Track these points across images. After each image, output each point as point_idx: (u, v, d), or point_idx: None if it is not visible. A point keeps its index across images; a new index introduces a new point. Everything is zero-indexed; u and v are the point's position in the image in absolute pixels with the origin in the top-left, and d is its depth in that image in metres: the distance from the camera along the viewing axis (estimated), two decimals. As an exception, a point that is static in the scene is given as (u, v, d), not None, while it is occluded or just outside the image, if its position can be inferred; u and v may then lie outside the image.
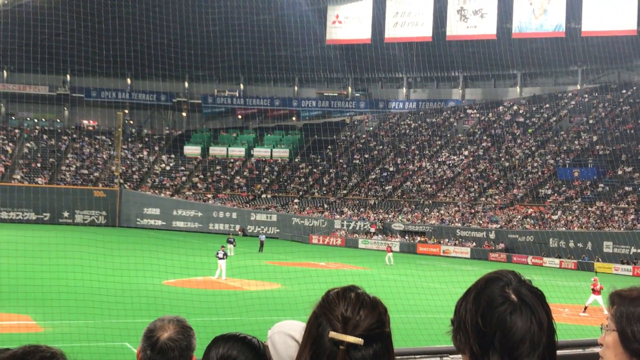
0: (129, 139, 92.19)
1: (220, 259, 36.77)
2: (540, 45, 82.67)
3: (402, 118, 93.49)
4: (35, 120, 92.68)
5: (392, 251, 55.28)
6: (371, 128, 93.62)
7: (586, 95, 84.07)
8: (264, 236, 60.82)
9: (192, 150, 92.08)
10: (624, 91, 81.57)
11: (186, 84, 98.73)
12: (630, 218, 61.54)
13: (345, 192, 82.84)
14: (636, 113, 76.94)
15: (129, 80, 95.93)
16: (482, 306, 1.91)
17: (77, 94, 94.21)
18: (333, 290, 2.01)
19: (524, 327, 1.88)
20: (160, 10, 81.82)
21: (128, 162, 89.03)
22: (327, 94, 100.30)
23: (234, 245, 51.16)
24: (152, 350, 2.94)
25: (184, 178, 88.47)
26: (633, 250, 56.29)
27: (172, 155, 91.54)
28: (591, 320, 28.71)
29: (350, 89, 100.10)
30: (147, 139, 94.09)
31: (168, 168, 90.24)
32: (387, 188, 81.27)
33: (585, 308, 31.36)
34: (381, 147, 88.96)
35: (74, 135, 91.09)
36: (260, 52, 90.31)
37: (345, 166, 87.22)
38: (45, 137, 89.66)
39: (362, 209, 77.34)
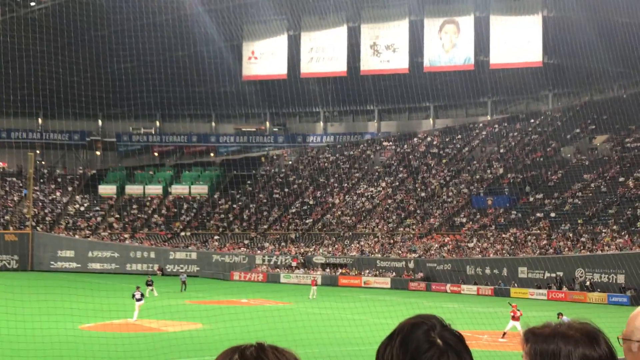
0: (41, 180, 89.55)
1: (137, 300, 35.91)
2: (451, 78, 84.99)
3: (320, 151, 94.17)
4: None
5: (317, 284, 55.13)
6: (290, 162, 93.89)
7: (496, 126, 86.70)
8: (184, 275, 59.65)
9: (107, 189, 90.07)
10: (532, 120, 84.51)
11: (100, 122, 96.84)
12: (542, 243, 63.36)
13: (265, 227, 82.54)
14: (544, 142, 79.71)
15: (40, 120, 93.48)
16: (410, 351, 1.91)
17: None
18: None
19: None
20: (70, 49, 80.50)
21: (40, 203, 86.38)
22: (245, 129, 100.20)
23: (152, 288, 49.90)
24: None
25: (99, 218, 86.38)
26: (547, 274, 57.89)
27: (87, 196, 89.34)
28: (510, 345, 29.26)
29: (268, 123, 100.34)
30: (60, 180, 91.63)
31: (82, 209, 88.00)
32: (307, 221, 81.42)
33: (504, 334, 31.93)
34: (300, 180, 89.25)
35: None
36: (176, 89, 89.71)
37: (265, 201, 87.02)
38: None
39: (283, 243, 77.16)
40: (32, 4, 79.48)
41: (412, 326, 1.97)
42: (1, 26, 78.20)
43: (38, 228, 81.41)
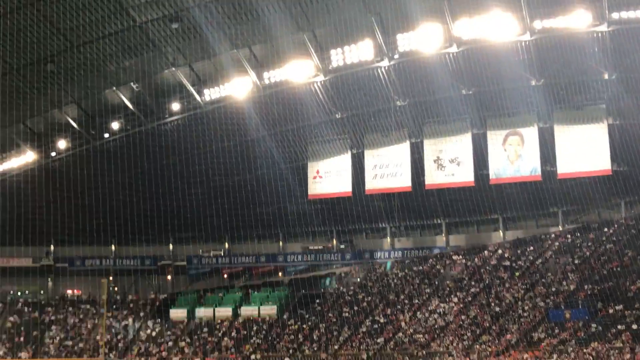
0: (114, 306, 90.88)
1: None
2: (519, 189, 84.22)
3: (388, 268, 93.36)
4: (19, 293, 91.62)
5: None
6: (358, 279, 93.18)
7: (569, 236, 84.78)
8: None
9: (178, 313, 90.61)
10: (605, 229, 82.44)
11: (170, 247, 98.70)
12: (626, 357, 60.60)
13: (336, 347, 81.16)
14: (620, 251, 77.42)
15: (113, 247, 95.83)
16: None
17: (61, 264, 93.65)
18: None
19: None
20: (143, 177, 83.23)
21: (113, 330, 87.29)
22: (312, 248, 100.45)
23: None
24: None
25: (170, 343, 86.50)
26: (634, 391, 55.01)
27: (158, 320, 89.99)
28: None
29: (334, 241, 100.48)
30: (132, 305, 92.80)
31: (154, 334, 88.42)
32: (379, 340, 79.80)
33: None
34: (369, 298, 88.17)
35: (59, 306, 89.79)
36: (244, 211, 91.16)
37: (334, 320, 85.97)
38: (28, 309, 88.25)
39: (355, 364, 75.57)
40: (106, 135, 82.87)
41: None
42: (77, 159, 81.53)
43: (111, 355, 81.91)
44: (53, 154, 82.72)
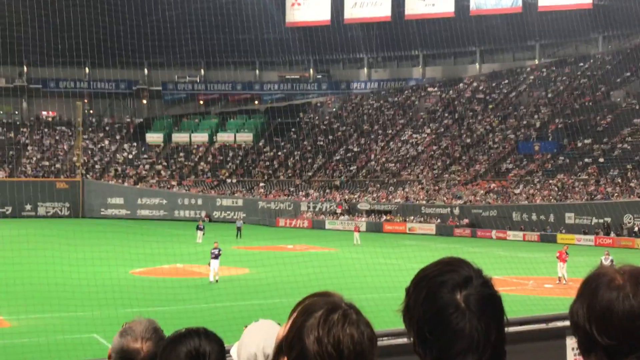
0: (90, 129, 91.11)
1: (214, 257, 31.51)
2: (498, 22, 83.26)
3: (364, 98, 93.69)
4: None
5: (359, 231, 55.49)
6: (334, 109, 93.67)
7: (544, 70, 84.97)
8: (241, 222, 59.96)
9: (154, 137, 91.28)
10: (581, 64, 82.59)
11: (145, 71, 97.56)
12: (590, 189, 62.62)
13: (310, 174, 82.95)
14: (593, 86, 77.99)
15: (87, 70, 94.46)
16: (430, 312, 1.84)
17: (35, 85, 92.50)
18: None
19: (469, 337, 1.80)
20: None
21: (89, 152, 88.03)
22: (288, 77, 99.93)
23: (203, 233, 50.88)
24: None
25: (147, 166, 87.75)
26: (594, 220, 57.32)
27: (134, 144, 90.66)
28: (555, 290, 29.31)
29: (311, 71, 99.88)
30: (107, 128, 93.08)
31: (130, 157, 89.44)
32: (352, 168, 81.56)
33: (559, 279, 31.77)
34: (344, 128, 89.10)
35: (34, 127, 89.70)
36: (220, 37, 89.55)
37: (309, 148, 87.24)
38: (3, 130, 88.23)
39: (327, 190, 77.58)
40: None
41: (440, 284, 1.85)
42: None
43: (88, 176, 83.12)
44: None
